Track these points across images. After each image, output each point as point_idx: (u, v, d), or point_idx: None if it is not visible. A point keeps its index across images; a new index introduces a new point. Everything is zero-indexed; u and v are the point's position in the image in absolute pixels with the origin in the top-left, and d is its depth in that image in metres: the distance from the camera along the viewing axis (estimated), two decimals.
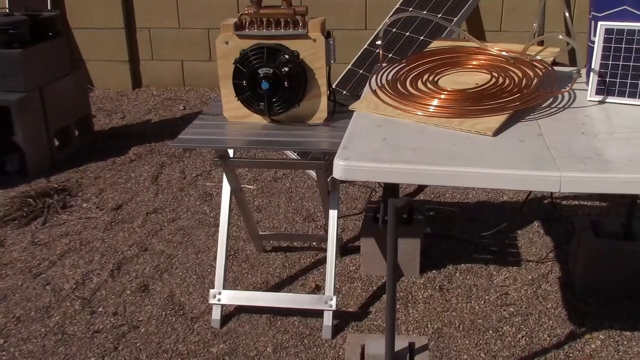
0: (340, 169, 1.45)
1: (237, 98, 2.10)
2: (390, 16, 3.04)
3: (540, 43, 3.93)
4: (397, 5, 3.68)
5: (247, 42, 2.05)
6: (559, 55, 1.93)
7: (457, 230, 2.79)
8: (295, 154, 3.32)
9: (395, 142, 1.55)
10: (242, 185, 3.32)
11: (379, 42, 2.08)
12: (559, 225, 2.80)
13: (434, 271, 2.48)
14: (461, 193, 3.14)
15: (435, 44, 2.20)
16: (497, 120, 1.65)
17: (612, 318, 2.19)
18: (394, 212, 1.55)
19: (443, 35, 3.18)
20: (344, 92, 3.47)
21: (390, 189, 1.54)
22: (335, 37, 4.77)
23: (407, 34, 3.41)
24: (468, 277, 2.45)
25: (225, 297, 2.23)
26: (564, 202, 3.01)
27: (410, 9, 3.56)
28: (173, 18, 4.92)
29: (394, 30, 3.54)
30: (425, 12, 3.42)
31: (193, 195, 3.21)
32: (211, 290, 2.22)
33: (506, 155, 1.46)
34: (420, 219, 2.49)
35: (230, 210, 2.27)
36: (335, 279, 2.24)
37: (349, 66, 3.63)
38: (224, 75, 2.09)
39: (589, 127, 1.64)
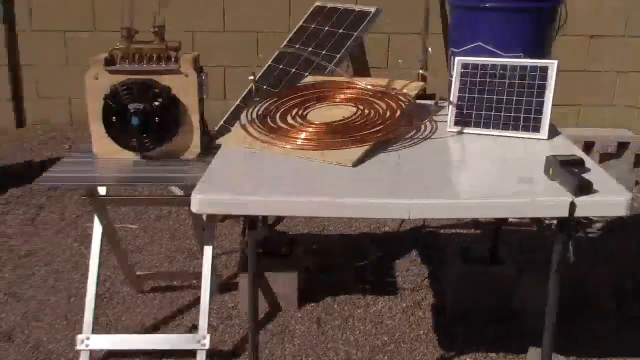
0: (197, 202, 1.44)
1: (107, 134, 2.05)
2: (276, 55, 3.10)
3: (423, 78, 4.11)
4: (285, 42, 3.75)
5: (118, 77, 2.03)
6: (442, 90, 2.04)
7: (338, 261, 2.84)
8: (182, 190, 3.27)
9: (257, 175, 1.57)
10: (123, 225, 3.24)
11: (251, 77, 2.11)
12: (434, 252, 2.91)
13: (312, 304, 2.50)
14: (344, 225, 3.20)
15: (308, 79, 2.26)
16: (358, 151, 1.70)
17: (480, 341, 2.28)
18: (253, 245, 1.55)
19: (327, 71, 3.26)
20: (232, 127, 3.48)
21: (250, 221, 1.55)
22: (227, 73, 4.79)
23: (293, 70, 3.48)
24: (346, 307, 2.48)
25: (94, 341, 2.13)
26: (441, 231, 3.13)
27: (297, 45, 3.64)
28: (60, 56, 4.78)
29: (280, 66, 3.60)
30: (310, 49, 3.51)
31: (71, 236, 3.09)
32: (78, 336, 2.11)
33: (362, 185, 1.51)
34: (299, 252, 2.52)
35: (102, 251, 2.20)
36: (209, 317, 2.20)
37: (237, 102, 3.65)
38: (94, 111, 2.05)
39: (444, 156, 1.73)
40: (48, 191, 3.60)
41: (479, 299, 2.37)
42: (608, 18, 4.48)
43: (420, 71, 1.94)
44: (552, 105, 1.82)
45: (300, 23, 3.63)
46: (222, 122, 3.62)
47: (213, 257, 2.17)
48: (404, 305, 2.50)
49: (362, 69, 3.63)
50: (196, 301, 2.53)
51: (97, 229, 2.23)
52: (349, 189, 1.49)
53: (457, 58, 1.88)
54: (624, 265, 2.81)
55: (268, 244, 2.52)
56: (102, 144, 2.08)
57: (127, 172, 1.99)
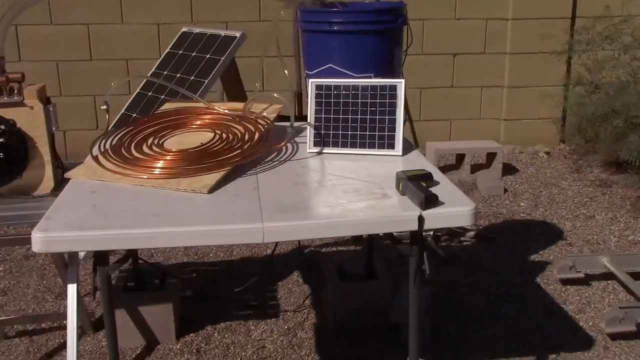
0: (38, 241, 1.36)
1: None
2: (123, 80, 3.03)
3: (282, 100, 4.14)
4: (153, 69, 3.67)
5: None
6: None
7: (220, 288, 2.78)
8: None
9: (105, 208, 1.50)
10: None
11: (104, 107, 2.03)
12: (316, 272, 2.91)
13: (191, 334, 2.43)
14: (225, 251, 3.15)
15: (166, 106, 2.21)
16: (214, 177, 1.67)
17: (361, 356, 2.29)
18: (106, 281, 1.48)
19: (197, 95, 3.21)
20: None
21: (100, 257, 1.47)
22: (98, 102, 4.63)
23: (162, 97, 3.40)
24: (226, 335, 2.43)
25: None
26: (322, 250, 3.14)
27: (166, 72, 3.57)
28: None
29: (149, 94, 3.51)
30: (178, 74, 3.45)
31: None
32: None
33: (217, 211, 1.48)
34: (173, 282, 2.44)
35: None
36: (80, 359, 2.09)
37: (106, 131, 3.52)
38: None
39: (302, 177, 1.73)
40: None
41: (358, 315, 2.39)
42: (468, 37, 4.72)
43: (275, 94, 1.93)
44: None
45: (168, 49, 3.56)
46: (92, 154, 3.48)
47: (80, 296, 2.06)
48: (286, 327, 2.48)
49: (237, 93, 3.62)
50: (66, 343, 2.40)
51: None
52: (203, 216, 1.45)
53: (310, 80, 1.90)
54: (494, 272, 2.93)
55: (139, 276, 2.42)
56: None
57: None
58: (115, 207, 1.50)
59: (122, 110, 3.62)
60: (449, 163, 4.36)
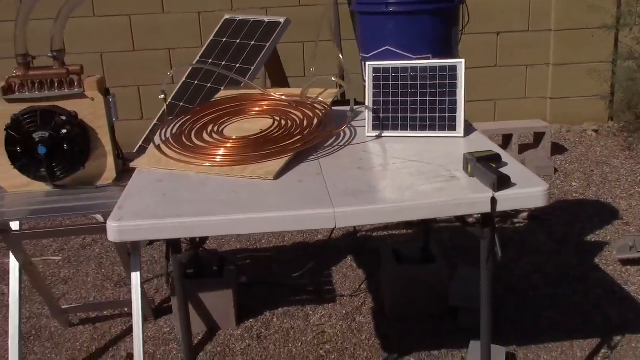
0: (113, 230, 1.38)
1: (13, 166, 1.95)
2: (179, 69, 3.05)
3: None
4: (198, 57, 3.69)
5: (19, 106, 1.92)
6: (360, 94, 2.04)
7: (274, 274, 2.79)
8: (103, 218, 3.15)
9: (174, 197, 1.51)
10: (45, 258, 3.09)
11: (161, 97, 2.04)
12: (370, 256, 2.91)
13: (251, 320, 2.45)
14: (277, 237, 3.16)
15: (221, 94, 2.21)
16: (278, 163, 1.67)
17: (420, 340, 2.28)
18: (179, 269, 1.50)
19: (242, 85, 3.22)
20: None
21: (172, 245, 1.49)
22: (142, 92, 4.67)
23: (208, 85, 3.42)
24: (285, 320, 2.44)
25: None
26: (374, 234, 3.13)
27: (210, 60, 3.58)
28: None
29: (195, 82, 3.53)
30: (223, 62, 3.46)
31: None
32: None
33: (285, 198, 1.48)
34: (232, 269, 2.46)
35: (22, 288, 2.08)
36: (145, 345, 2.12)
37: (154, 121, 3.55)
38: None
39: (365, 162, 1.71)
40: None
41: (416, 299, 2.38)
42: (512, 15, 4.63)
43: (333, 78, 1.92)
44: (469, 101, 1.84)
45: (212, 37, 3.57)
46: (140, 143, 3.52)
47: (142, 283, 2.09)
48: (344, 312, 2.48)
49: (279, 79, 3.61)
50: (129, 330, 2.45)
51: (14, 266, 2.12)
52: (272, 203, 1.45)
53: (367, 63, 1.88)
54: (550, 254, 2.88)
55: (198, 264, 2.45)
56: (9, 177, 1.97)
57: (39, 204, 1.89)
58: (185, 196, 1.51)
59: (169, 100, 3.65)
60: (495, 143, 4.29)
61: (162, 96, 2.04)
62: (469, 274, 2.43)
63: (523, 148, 4.12)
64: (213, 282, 2.39)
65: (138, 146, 3.50)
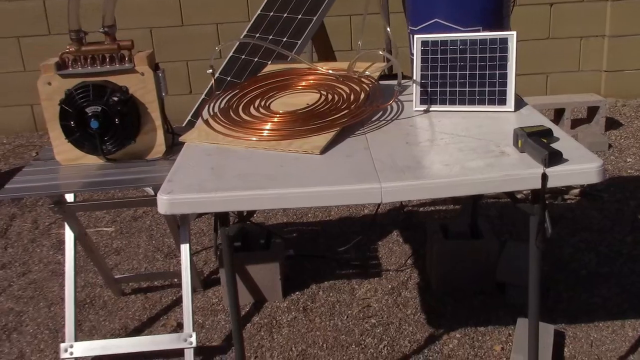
0: (164, 203, 1.40)
1: (67, 140, 2.00)
2: (226, 43, 3.05)
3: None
4: (245, 32, 3.70)
5: (72, 81, 1.97)
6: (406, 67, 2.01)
7: (320, 248, 2.81)
8: (153, 191, 3.22)
9: (222, 171, 1.53)
10: (98, 229, 3.18)
11: (209, 72, 2.05)
12: (416, 231, 2.89)
13: (297, 292, 2.48)
14: (323, 211, 3.17)
15: (268, 68, 2.22)
16: (325, 138, 1.67)
17: (467, 315, 2.27)
18: (227, 241, 1.52)
19: (289, 59, 3.21)
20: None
21: (221, 218, 1.51)
22: (190, 67, 4.72)
23: (256, 59, 3.43)
24: (331, 294, 2.46)
25: (78, 349, 2.10)
26: (420, 209, 3.12)
27: (257, 34, 3.59)
28: (17, 62, 4.68)
29: (243, 56, 3.54)
30: (271, 36, 3.46)
31: (46, 245, 3.03)
32: (62, 344, 2.08)
33: (332, 172, 1.48)
34: (278, 242, 2.48)
35: (77, 258, 2.15)
36: (194, 315, 2.18)
37: (202, 96, 3.59)
38: (51, 117, 1.99)
39: (412, 136, 1.70)
40: (19, 200, 3.53)
41: (463, 274, 2.37)
42: None
43: (380, 52, 1.90)
44: (519, 75, 1.80)
45: (259, 11, 3.57)
46: (189, 117, 3.56)
47: (191, 255, 2.14)
48: (390, 286, 2.49)
49: (326, 53, 3.60)
50: (179, 300, 2.51)
51: (69, 236, 2.19)
52: (319, 177, 1.45)
53: (415, 36, 1.85)
54: (603, 231, 2.82)
55: (245, 236, 2.49)
56: (64, 150, 2.03)
57: (92, 177, 1.94)
58: (232, 170, 1.53)
59: (217, 74, 3.67)
60: (547, 117, 4.19)
61: (210, 71, 2.06)
62: (517, 250, 2.39)
63: (576, 123, 4.02)
64: (260, 255, 2.42)
65: (187, 120, 3.55)
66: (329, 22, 3.61)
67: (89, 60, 1.98)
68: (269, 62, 3.35)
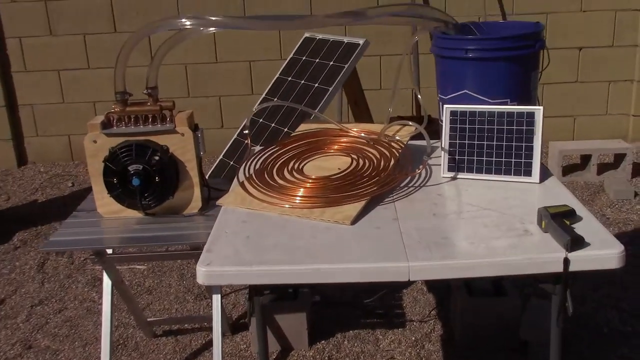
0: (202, 275, 1.49)
1: (109, 195, 2.10)
2: (258, 105, 3.15)
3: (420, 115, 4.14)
4: (278, 75, 3.79)
5: (116, 139, 2.08)
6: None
7: (346, 296, 2.88)
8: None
9: (258, 240, 1.61)
10: (131, 266, 3.29)
11: (246, 132, 2.15)
12: (440, 280, 2.94)
13: (322, 341, 2.54)
14: None
15: (302, 127, 2.31)
16: (355, 207, 1.74)
17: None
18: (260, 312, 1.60)
19: (312, 117, 3.28)
20: (231, 162, 3.51)
21: (255, 287, 1.59)
22: (223, 103, 4.85)
23: (273, 124, 3.47)
24: (356, 344, 2.52)
25: None
26: None
27: (290, 78, 3.69)
28: (57, 93, 4.85)
29: (260, 120, 3.58)
30: (302, 81, 3.55)
31: (81, 281, 3.14)
32: None
33: (362, 246, 1.55)
34: (306, 292, 2.56)
35: (113, 303, 2.25)
36: None
37: (221, 156, 3.65)
38: (95, 173, 2.10)
39: (440, 207, 1.76)
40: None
41: (486, 331, 2.41)
42: (595, 30, 4.52)
43: (411, 123, 1.98)
44: (547, 117, 1.86)
45: (292, 55, 3.67)
46: (221, 157, 3.65)
47: (222, 299, 2.22)
48: (413, 338, 2.54)
49: (358, 98, 3.68)
50: (208, 344, 2.59)
51: (107, 283, 2.29)
52: (349, 252, 1.53)
53: (445, 106, 1.92)
54: (626, 287, 2.84)
55: (274, 285, 2.56)
56: (105, 204, 2.13)
57: (131, 231, 2.04)
58: (268, 239, 1.61)
59: (234, 136, 3.72)
60: (573, 162, 4.22)
61: (246, 131, 2.15)
62: (540, 308, 2.43)
63: (602, 167, 4.04)
64: (288, 305, 2.49)
65: (218, 160, 3.64)
66: (359, 62, 3.70)
67: (132, 119, 2.08)
68: (300, 107, 3.44)
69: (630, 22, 4.48)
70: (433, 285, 2.91)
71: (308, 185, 1.87)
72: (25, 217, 3.94)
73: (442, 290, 2.86)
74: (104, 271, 2.25)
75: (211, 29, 2.01)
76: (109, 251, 2.19)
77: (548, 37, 4.54)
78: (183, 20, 1.98)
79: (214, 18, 1.98)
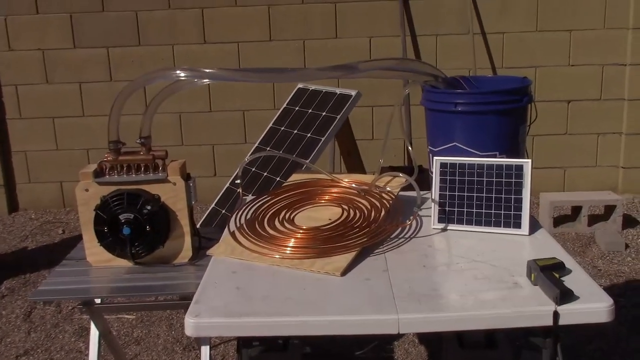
0: (191, 326, 1.47)
1: (99, 243, 2.10)
2: (250, 155, 3.18)
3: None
4: (270, 124, 3.84)
5: (108, 188, 2.08)
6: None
7: (337, 347, 2.85)
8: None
9: (248, 291, 1.60)
10: (120, 315, 3.25)
11: (238, 181, 2.16)
12: (432, 334, 2.91)
13: None
14: None
15: (294, 177, 2.32)
16: (345, 258, 1.74)
17: None
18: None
19: (304, 167, 3.31)
20: (223, 210, 3.52)
21: (244, 339, 1.58)
22: (216, 151, 4.88)
23: (265, 174, 3.51)
24: None
25: None
26: None
27: (283, 127, 3.73)
28: (51, 140, 4.87)
29: (253, 169, 3.61)
30: (295, 131, 3.59)
31: (68, 331, 3.10)
32: None
33: (352, 298, 1.55)
34: (296, 343, 2.52)
35: (100, 354, 2.22)
36: None
37: (213, 205, 3.67)
38: (85, 221, 2.10)
39: (430, 259, 1.77)
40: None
41: None
42: (583, 84, 4.62)
43: (401, 175, 2.00)
44: (537, 168, 1.88)
45: (285, 105, 3.72)
46: (213, 205, 3.66)
47: (211, 351, 2.19)
48: None
49: (350, 148, 3.72)
50: None
51: (94, 333, 2.26)
52: (339, 304, 1.52)
53: (435, 158, 1.95)
54: (619, 339, 2.82)
55: (263, 337, 2.53)
56: (95, 253, 2.12)
57: (121, 281, 2.02)
58: (257, 290, 1.60)
59: (227, 185, 3.76)
60: (564, 213, 4.24)
61: (238, 181, 2.17)
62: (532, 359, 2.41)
63: (593, 219, 4.06)
64: (278, 357, 2.45)
65: (210, 208, 3.65)
66: (352, 113, 3.75)
67: (125, 168, 2.09)
68: (277, 178, 3.46)
69: (617, 77, 4.58)
70: (424, 337, 2.89)
71: (299, 235, 1.88)
72: (13, 265, 3.90)
73: (434, 342, 2.83)
74: (92, 321, 2.23)
75: (206, 80, 2.05)
76: (98, 301, 2.17)
77: (537, 90, 4.63)
78: (178, 72, 2.01)
79: (208, 70, 2.01)
